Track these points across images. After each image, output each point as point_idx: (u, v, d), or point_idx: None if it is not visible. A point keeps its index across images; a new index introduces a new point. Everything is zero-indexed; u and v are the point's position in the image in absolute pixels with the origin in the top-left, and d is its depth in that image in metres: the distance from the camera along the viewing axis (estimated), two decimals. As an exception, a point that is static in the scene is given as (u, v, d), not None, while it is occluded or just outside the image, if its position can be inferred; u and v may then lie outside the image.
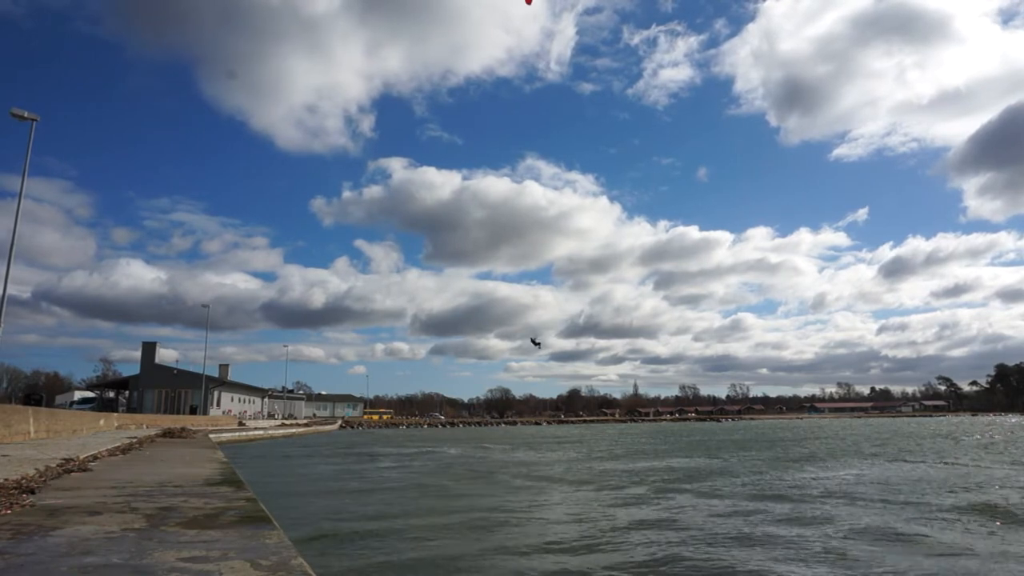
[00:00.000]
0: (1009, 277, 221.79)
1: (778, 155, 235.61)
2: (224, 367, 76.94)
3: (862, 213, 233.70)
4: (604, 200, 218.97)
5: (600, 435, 60.41)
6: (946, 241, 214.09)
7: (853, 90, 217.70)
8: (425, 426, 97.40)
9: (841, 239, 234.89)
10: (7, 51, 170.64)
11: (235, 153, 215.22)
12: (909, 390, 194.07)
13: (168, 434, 23.62)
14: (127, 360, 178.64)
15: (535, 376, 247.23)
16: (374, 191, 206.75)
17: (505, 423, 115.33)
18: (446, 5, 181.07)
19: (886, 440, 42.41)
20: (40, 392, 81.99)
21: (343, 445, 42.20)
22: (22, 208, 22.86)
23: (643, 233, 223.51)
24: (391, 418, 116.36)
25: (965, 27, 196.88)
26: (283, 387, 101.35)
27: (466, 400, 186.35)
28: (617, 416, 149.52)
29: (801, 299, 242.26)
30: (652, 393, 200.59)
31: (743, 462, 25.72)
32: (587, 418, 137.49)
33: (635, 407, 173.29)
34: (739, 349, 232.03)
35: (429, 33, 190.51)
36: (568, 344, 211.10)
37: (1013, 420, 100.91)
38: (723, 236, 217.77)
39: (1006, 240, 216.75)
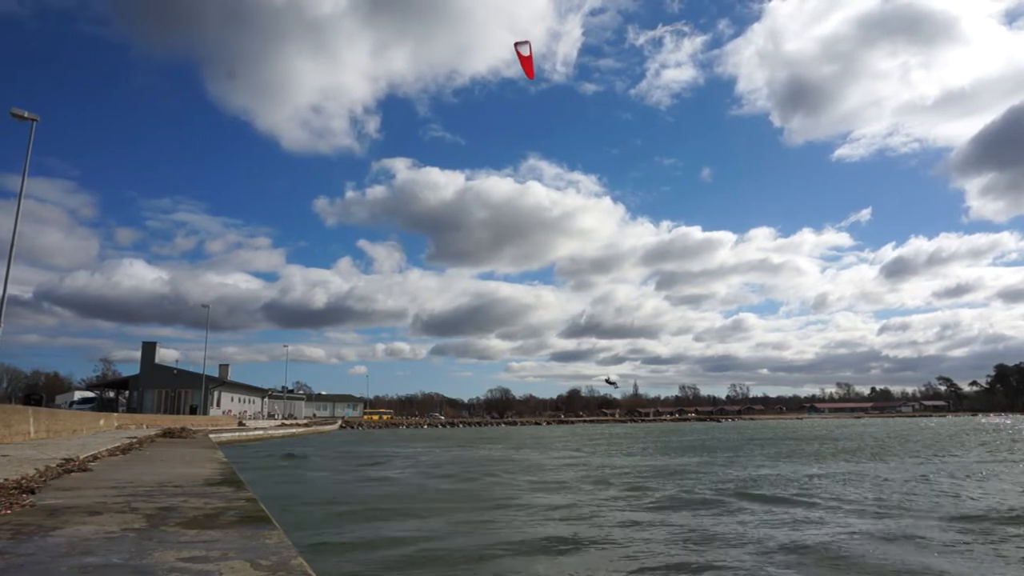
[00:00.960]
0: (1011, 277, 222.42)
1: (781, 155, 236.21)
2: (224, 367, 77.01)
3: (865, 213, 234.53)
4: (607, 200, 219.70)
5: (600, 435, 60.42)
6: (948, 241, 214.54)
7: (858, 90, 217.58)
8: (425, 426, 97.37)
9: (843, 239, 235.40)
10: (12, 52, 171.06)
11: (238, 153, 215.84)
12: (909, 390, 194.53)
13: (168, 434, 23.62)
14: (127, 360, 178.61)
15: (535, 376, 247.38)
16: (377, 191, 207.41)
17: (505, 423, 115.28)
18: (452, 6, 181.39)
19: (886, 440, 42.42)
20: (40, 392, 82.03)
21: (343, 445, 42.21)
22: (24, 208, 23.00)
23: (646, 233, 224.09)
24: (391, 418, 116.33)
25: (971, 28, 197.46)
26: (283, 387, 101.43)
27: (466, 400, 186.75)
28: (617, 416, 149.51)
29: (803, 299, 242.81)
30: (652, 393, 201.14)
31: (742, 462, 25.72)
32: (587, 418, 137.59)
33: (635, 407, 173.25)
34: (740, 349, 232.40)
35: (435, 34, 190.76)
36: (569, 344, 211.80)
37: (1009, 421, 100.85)
38: (726, 236, 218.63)
39: (1008, 240, 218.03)
